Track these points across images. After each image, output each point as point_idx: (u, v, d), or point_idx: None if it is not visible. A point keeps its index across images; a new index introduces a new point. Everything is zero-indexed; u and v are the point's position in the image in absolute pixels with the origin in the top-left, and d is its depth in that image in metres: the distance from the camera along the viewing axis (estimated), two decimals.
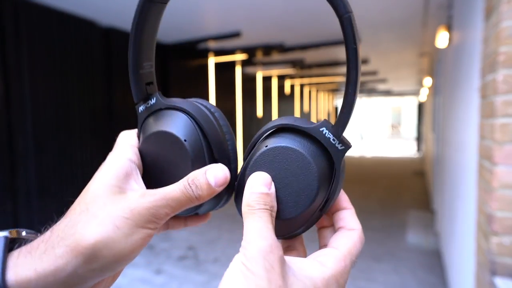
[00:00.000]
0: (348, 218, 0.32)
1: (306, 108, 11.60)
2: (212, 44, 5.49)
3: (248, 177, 0.30)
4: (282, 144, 0.30)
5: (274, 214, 0.29)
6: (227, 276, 0.25)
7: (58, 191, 3.66)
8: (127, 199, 0.29)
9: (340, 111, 0.31)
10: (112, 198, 0.29)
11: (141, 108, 0.35)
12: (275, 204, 0.29)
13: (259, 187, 0.29)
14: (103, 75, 4.24)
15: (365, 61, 6.72)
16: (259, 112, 8.33)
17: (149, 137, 0.33)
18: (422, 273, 3.18)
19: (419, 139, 14.03)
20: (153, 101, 0.34)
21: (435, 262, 3.40)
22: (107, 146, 4.21)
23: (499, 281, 1.22)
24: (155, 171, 0.33)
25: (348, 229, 0.31)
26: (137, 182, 0.32)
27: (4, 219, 3.19)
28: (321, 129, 0.31)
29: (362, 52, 6.01)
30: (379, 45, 5.54)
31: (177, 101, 0.33)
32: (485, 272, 1.33)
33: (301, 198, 0.30)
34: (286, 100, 9.93)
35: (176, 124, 0.32)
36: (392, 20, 4.21)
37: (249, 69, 7.67)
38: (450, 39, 3.34)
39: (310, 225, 0.32)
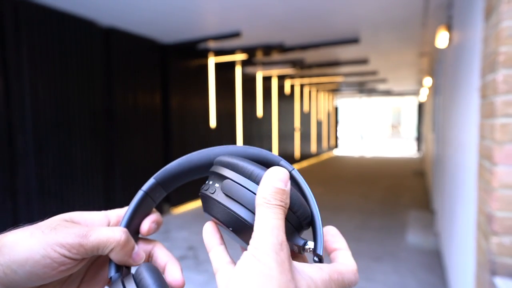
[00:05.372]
0: (342, 258, 0.32)
1: (306, 108, 11.60)
2: (212, 44, 5.49)
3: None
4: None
5: (286, 212, 0.29)
6: (239, 268, 0.26)
7: (58, 191, 3.66)
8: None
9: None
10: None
11: None
12: (289, 201, 0.29)
13: (277, 182, 0.29)
14: (103, 75, 4.24)
15: (365, 61, 6.72)
16: (259, 112, 8.33)
17: None
18: (422, 273, 3.18)
19: (419, 139, 14.03)
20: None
21: (435, 262, 3.40)
22: (107, 146, 4.22)
23: (499, 281, 1.22)
24: None
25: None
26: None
27: (4, 219, 3.19)
28: None
29: (363, 52, 6.02)
30: (379, 45, 5.54)
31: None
32: (485, 272, 1.33)
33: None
34: (286, 100, 9.93)
35: None
36: (392, 20, 4.21)
37: (249, 69, 7.67)
38: (450, 39, 3.34)
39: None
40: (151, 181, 0.36)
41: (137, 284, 0.30)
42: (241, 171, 0.32)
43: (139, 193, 0.36)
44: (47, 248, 0.29)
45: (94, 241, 0.31)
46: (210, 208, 0.33)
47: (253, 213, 0.30)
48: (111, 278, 0.33)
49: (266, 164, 0.37)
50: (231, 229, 0.32)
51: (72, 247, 0.30)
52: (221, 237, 0.35)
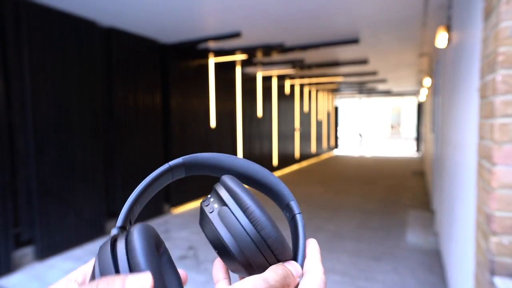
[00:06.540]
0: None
1: (306, 108, 11.60)
2: (212, 44, 5.49)
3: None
4: None
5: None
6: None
7: (58, 191, 3.66)
8: None
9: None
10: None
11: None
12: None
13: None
14: (103, 75, 4.24)
15: (365, 61, 6.72)
16: (259, 112, 8.33)
17: None
18: (422, 272, 3.18)
19: (418, 139, 14.03)
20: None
21: (434, 261, 3.41)
22: (107, 146, 4.22)
23: (498, 280, 1.22)
24: None
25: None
26: None
27: (5, 219, 3.19)
28: None
29: (362, 52, 6.02)
30: (379, 45, 5.55)
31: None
32: (485, 272, 1.33)
33: None
34: (286, 100, 9.93)
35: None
36: (392, 20, 4.21)
37: (249, 69, 7.67)
38: (449, 39, 3.34)
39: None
40: (179, 159, 0.38)
41: (126, 238, 0.30)
42: (239, 203, 0.34)
43: (165, 166, 0.37)
44: None
45: None
46: (204, 226, 0.36)
47: (237, 244, 0.33)
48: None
49: (277, 195, 0.40)
50: (216, 251, 0.35)
51: None
52: (227, 271, 0.39)
